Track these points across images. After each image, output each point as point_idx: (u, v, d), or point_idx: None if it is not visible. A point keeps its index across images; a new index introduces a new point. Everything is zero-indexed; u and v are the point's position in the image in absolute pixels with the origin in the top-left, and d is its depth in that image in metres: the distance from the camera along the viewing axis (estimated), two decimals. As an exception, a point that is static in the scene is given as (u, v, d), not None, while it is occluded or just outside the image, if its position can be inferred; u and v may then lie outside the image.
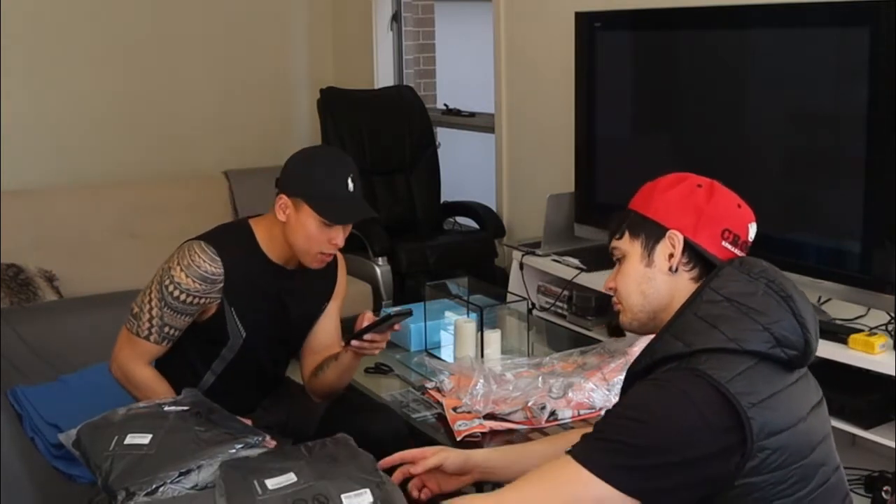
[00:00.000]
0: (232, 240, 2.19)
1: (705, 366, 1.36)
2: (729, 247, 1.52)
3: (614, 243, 1.59)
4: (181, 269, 2.12)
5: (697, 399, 1.34)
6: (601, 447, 1.38)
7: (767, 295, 1.43)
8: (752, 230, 1.55)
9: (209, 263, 2.12)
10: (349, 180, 2.13)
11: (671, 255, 1.52)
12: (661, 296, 1.53)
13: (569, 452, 1.40)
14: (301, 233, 2.12)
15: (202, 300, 2.14)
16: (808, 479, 1.39)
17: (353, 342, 2.14)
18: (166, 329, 2.15)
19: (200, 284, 2.12)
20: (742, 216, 1.55)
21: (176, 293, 2.12)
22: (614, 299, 1.61)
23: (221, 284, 2.13)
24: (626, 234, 1.57)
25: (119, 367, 2.18)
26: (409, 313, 2.17)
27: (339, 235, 2.14)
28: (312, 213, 2.10)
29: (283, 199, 2.13)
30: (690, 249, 1.51)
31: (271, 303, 2.24)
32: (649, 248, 1.53)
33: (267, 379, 2.38)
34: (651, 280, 1.53)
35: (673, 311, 1.49)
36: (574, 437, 1.84)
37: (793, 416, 1.39)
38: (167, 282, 2.12)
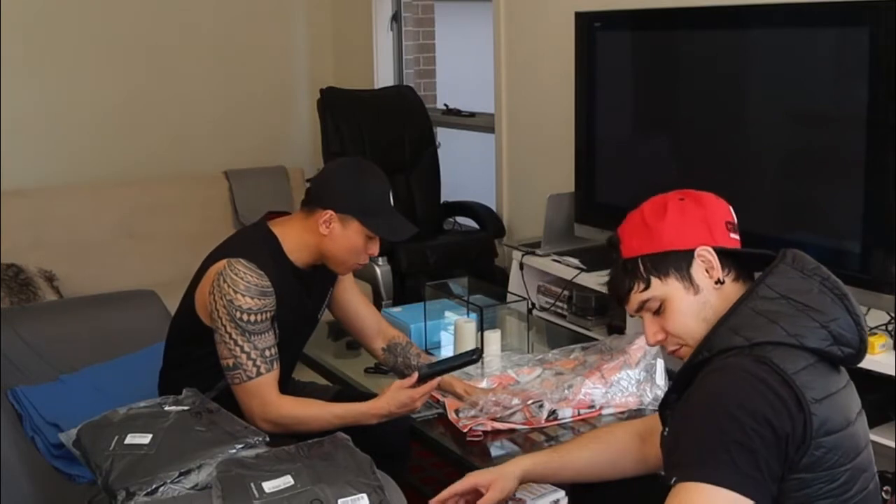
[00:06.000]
0: (264, 252, 2.18)
1: (771, 354, 1.36)
2: (733, 236, 1.52)
3: (644, 295, 1.51)
4: (241, 295, 2.09)
5: (769, 381, 1.33)
6: (708, 458, 1.32)
7: (823, 293, 1.42)
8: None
9: (259, 278, 2.11)
10: (391, 196, 2.20)
11: (708, 271, 1.49)
12: (719, 310, 1.48)
13: (681, 480, 1.34)
14: (345, 246, 2.18)
15: (270, 313, 2.13)
16: (854, 482, 1.39)
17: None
18: (266, 353, 2.13)
19: (263, 300, 2.11)
20: (725, 204, 1.55)
21: (252, 318, 2.10)
22: (670, 349, 1.54)
23: (274, 295, 2.14)
24: (655, 279, 1.50)
25: (264, 420, 2.12)
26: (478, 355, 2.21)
27: (377, 247, 2.23)
28: (362, 229, 2.16)
29: (330, 215, 2.15)
30: (720, 256, 1.49)
31: (297, 305, 2.26)
32: (688, 277, 1.49)
33: (286, 370, 2.40)
34: (706, 303, 1.49)
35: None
36: (620, 431, 1.80)
37: (845, 418, 1.39)
38: (237, 314, 2.09)
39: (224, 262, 2.13)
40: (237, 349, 2.10)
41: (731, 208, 1.56)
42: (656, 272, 1.50)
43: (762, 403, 1.32)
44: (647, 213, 1.53)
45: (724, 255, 1.50)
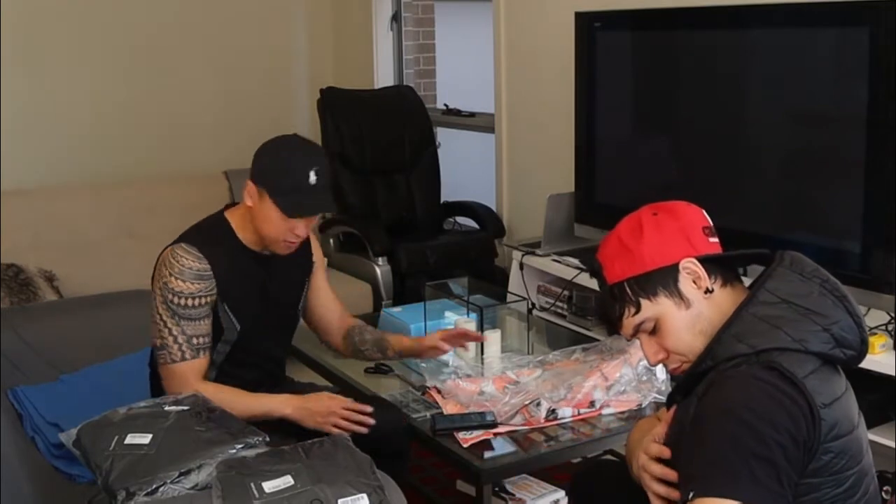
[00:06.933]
0: (210, 235, 2.21)
1: (779, 360, 1.35)
2: (712, 240, 1.51)
3: (637, 318, 1.49)
4: (175, 278, 2.13)
5: (782, 388, 1.32)
6: (727, 471, 1.30)
7: (823, 295, 1.41)
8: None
9: (197, 261, 2.14)
10: (312, 173, 2.13)
11: (695, 282, 1.47)
12: (713, 319, 1.47)
13: (699, 494, 1.30)
14: (265, 221, 2.17)
15: (206, 298, 2.15)
16: (859, 486, 1.39)
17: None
18: (194, 341, 2.15)
19: (197, 284, 2.14)
20: (698, 209, 1.54)
21: (183, 301, 2.12)
22: (672, 366, 1.52)
23: (214, 279, 2.16)
24: (644, 301, 1.48)
25: None
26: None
27: (300, 226, 2.17)
28: (273, 205, 2.14)
29: (250, 187, 2.18)
30: (704, 263, 1.48)
31: (257, 290, 2.26)
32: (677, 293, 1.47)
33: (270, 365, 2.40)
34: (700, 314, 1.47)
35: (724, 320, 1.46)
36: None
37: (850, 421, 1.39)
38: (169, 296, 2.12)
39: (168, 249, 2.18)
40: (165, 331, 2.14)
41: (704, 212, 1.54)
42: (644, 293, 1.48)
43: (778, 411, 1.31)
44: (624, 235, 1.51)
45: (708, 261, 1.49)
